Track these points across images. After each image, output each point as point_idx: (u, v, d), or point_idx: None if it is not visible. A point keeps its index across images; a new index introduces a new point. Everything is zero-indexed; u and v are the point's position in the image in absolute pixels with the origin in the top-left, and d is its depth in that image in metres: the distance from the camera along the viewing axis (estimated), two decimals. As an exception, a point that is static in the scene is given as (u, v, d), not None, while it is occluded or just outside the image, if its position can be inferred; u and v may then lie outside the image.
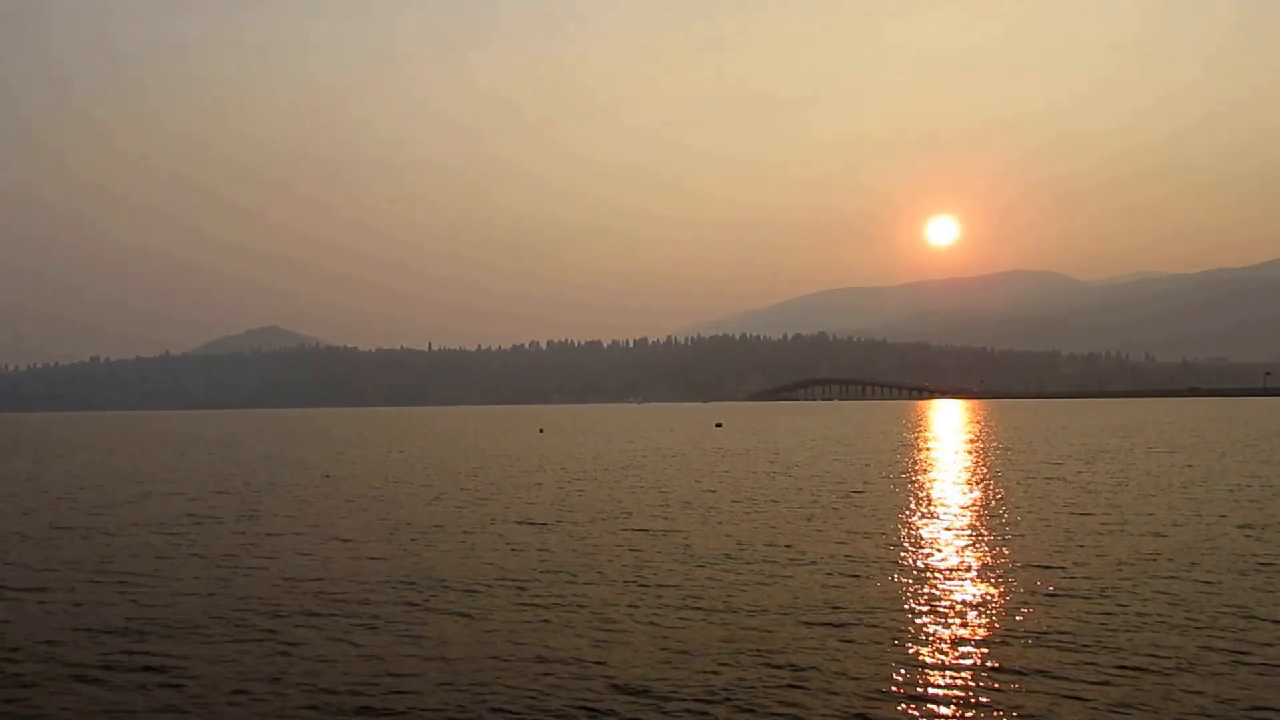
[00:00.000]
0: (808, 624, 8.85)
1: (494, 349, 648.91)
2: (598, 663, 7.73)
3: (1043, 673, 7.15)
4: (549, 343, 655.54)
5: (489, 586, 10.90)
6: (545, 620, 9.24)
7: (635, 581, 11.07)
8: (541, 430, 66.47)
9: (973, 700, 6.66)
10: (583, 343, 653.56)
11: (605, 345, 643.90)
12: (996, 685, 6.92)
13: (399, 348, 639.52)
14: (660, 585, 10.80)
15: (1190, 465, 26.62)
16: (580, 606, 9.75)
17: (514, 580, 11.27)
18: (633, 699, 6.79)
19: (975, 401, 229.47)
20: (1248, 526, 14.57)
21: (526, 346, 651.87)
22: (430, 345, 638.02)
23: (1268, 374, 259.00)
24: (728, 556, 12.61)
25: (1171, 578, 10.63)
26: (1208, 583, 10.37)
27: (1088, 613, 9.04)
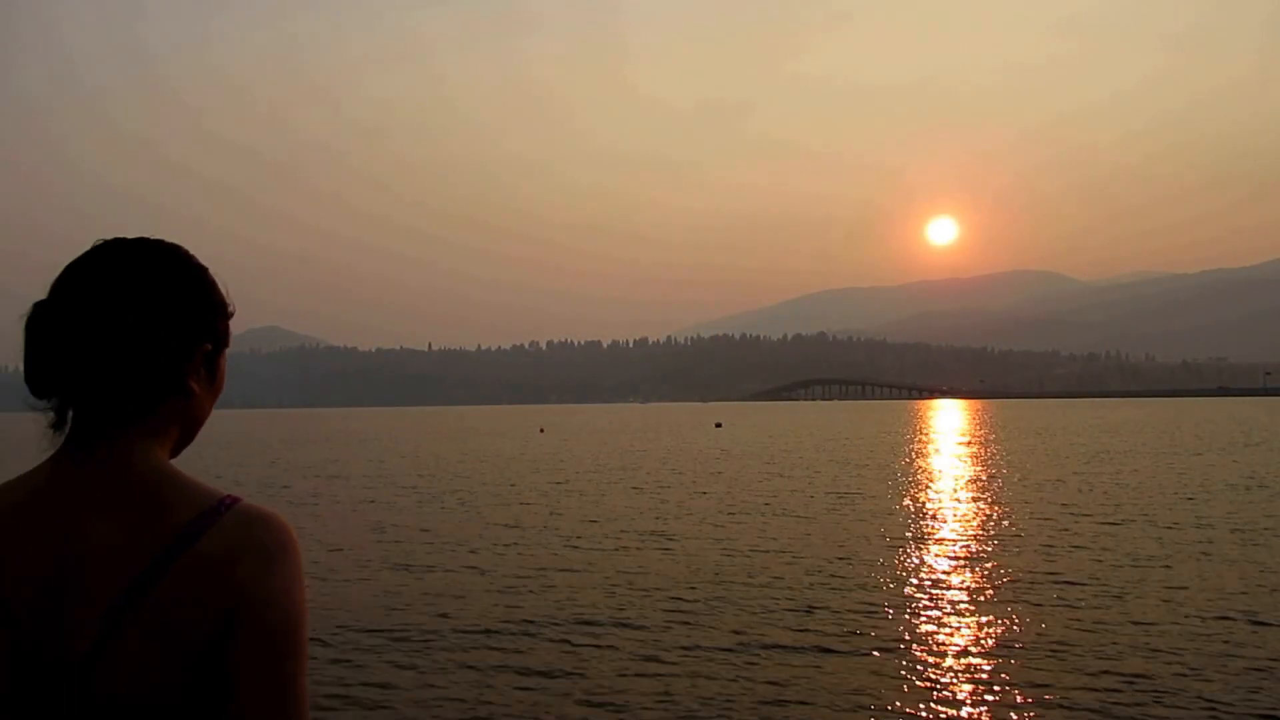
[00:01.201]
0: (797, 630, 8.56)
1: (494, 349, 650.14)
2: (572, 673, 7.43)
3: (1039, 684, 6.99)
4: (549, 343, 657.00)
5: (468, 590, 10.63)
6: (520, 627, 8.89)
7: (622, 587, 10.78)
8: (542, 430, 66.25)
9: (963, 711, 6.53)
10: (583, 343, 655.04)
11: (605, 345, 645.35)
12: (988, 697, 6.77)
13: (399, 348, 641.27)
14: (647, 591, 10.51)
15: (1197, 466, 26.36)
16: (558, 614, 9.42)
17: (491, 585, 10.97)
18: (606, 713, 6.58)
19: (975, 401, 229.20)
20: (1258, 530, 14.30)
21: (526, 346, 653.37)
22: (430, 345, 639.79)
23: (1268, 374, 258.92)
24: (719, 561, 12.32)
25: (1179, 586, 10.37)
26: (1215, 589, 10.13)
27: (1086, 621, 8.75)
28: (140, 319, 1.16)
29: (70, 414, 1.18)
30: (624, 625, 8.95)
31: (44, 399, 1.19)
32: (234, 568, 1.11)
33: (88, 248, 1.18)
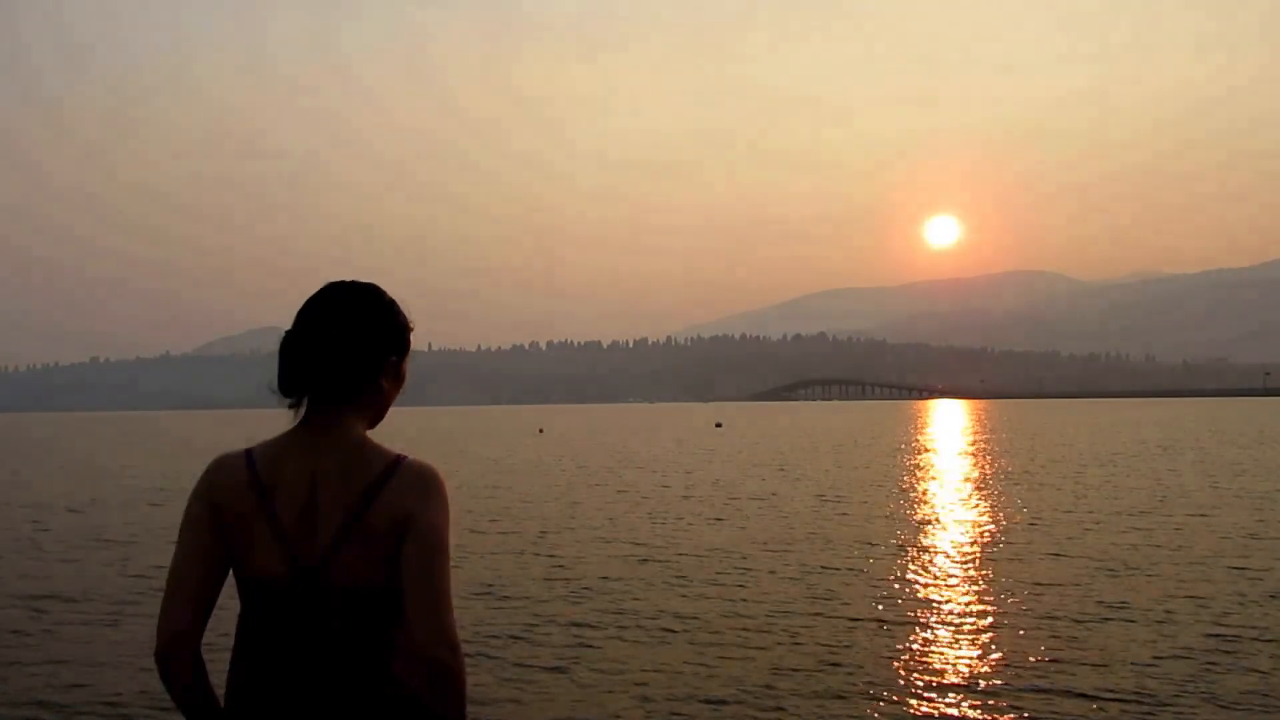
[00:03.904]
0: (786, 638, 8.36)
1: (494, 349, 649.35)
2: (552, 687, 7.22)
3: (1035, 697, 6.95)
4: (549, 343, 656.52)
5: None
6: (490, 638, 8.59)
7: (609, 593, 10.67)
8: (541, 430, 66.11)
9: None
10: (583, 343, 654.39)
11: (605, 345, 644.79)
12: (981, 711, 6.64)
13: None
14: (635, 596, 10.44)
15: (1205, 470, 26.23)
16: (536, 623, 9.16)
17: (461, 590, 10.86)
18: None
19: (975, 401, 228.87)
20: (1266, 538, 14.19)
21: (526, 346, 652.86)
22: (430, 345, 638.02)
23: (1267, 374, 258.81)
24: (711, 566, 12.16)
25: (1182, 596, 10.21)
26: (1223, 601, 9.97)
27: (1085, 634, 8.56)
28: (353, 342, 1.90)
29: (305, 401, 1.91)
30: (594, 629, 8.75)
31: (291, 398, 1.91)
32: (406, 498, 1.83)
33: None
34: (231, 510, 1.87)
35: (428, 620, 1.78)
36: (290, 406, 1.93)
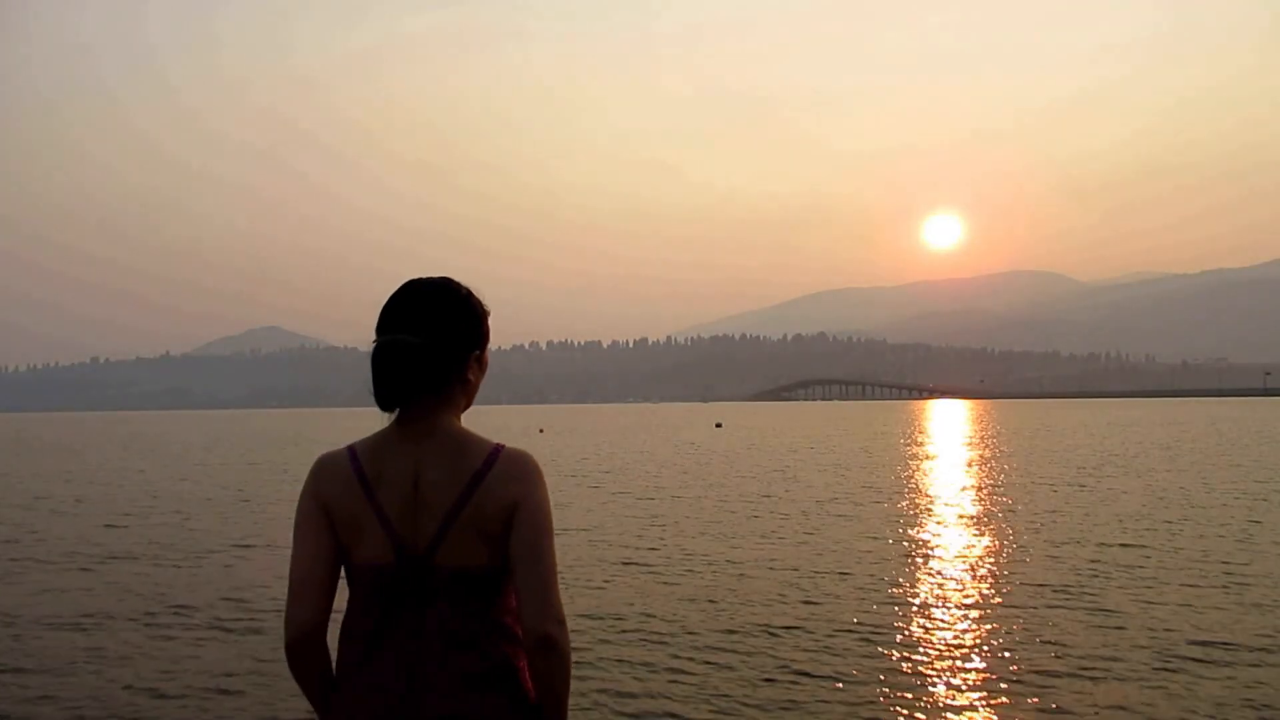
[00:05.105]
0: (777, 644, 8.22)
1: (494, 349, 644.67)
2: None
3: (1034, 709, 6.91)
4: (549, 343, 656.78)
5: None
6: None
7: (603, 601, 10.56)
8: (541, 430, 65.98)
9: None
10: (583, 343, 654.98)
11: (605, 345, 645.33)
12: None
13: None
14: (630, 603, 10.43)
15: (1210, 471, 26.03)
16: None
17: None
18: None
19: (975, 401, 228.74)
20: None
21: (526, 346, 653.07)
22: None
23: (1268, 374, 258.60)
24: (707, 568, 11.97)
25: (1185, 605, 10.04)
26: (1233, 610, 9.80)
27: (1085, 637, 8.42)
28: (438, 349, 1.99)
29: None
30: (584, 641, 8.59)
31: (389, 411, 2.01)
32: (511, 485, 1.95)
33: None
34: (340, 505, 1.96)
35: (538, 598, 1.89)
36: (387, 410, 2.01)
